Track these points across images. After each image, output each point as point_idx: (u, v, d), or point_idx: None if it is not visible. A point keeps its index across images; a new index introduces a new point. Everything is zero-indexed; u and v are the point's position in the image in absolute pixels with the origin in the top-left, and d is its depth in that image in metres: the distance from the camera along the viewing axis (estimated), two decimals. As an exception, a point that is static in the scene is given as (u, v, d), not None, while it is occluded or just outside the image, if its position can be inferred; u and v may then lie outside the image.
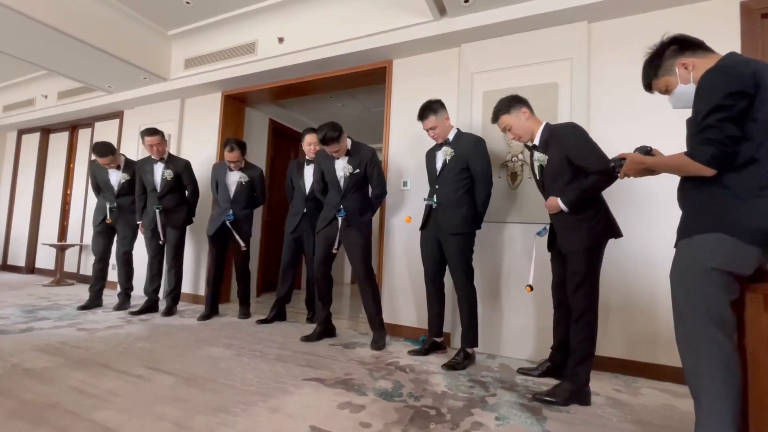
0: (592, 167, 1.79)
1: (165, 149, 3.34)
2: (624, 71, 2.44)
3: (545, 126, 1.97)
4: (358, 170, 2.59)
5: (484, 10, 2.62)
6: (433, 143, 2.53)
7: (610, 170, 1.78)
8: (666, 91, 1.29)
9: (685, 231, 1.21)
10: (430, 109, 2.34)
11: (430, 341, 2.51)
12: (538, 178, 2.06)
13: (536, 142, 1.98)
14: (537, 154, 1.98)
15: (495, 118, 2.04)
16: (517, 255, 2.62)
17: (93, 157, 3.40)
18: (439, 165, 2.41)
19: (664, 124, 2.31)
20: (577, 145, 1.83)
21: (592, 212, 1.86)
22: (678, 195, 1.28)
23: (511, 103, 1.99)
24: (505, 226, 2.68)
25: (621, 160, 1.36)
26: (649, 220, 2.33)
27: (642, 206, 2.35)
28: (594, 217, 1.86)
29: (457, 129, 2.45)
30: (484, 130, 2.75)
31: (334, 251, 2.60)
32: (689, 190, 1.21)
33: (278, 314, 3.26)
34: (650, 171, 1.30)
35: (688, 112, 1.21)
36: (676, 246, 1.24)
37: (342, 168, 2.60)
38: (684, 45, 1.24)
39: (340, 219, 2.59)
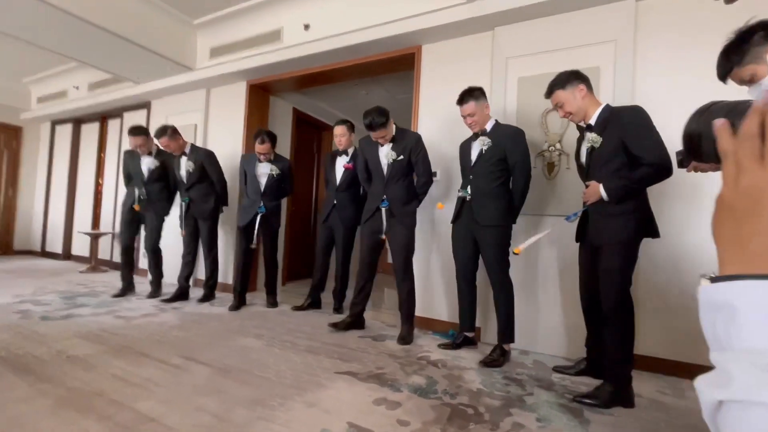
0: (649, 158, 1.67)
1: (179, 144, 3.30)
2: (673, 54, 2.27)
3: (605, 107, 1.84)
4: (402, 157, 2.51)
5: (520, -9, 2.48)
6: (468, 134, 2.44)
7: (667, 165, 1.68)
8: (750, 81, 1.17)
9: None
10: (471, 94, 2.25)
11: (462, 336, 2.47)
12: (583, 160, 1.95)
13: (591, 122, 1.85)
14: (590, 135, 1.85)
15: (549, 93, 1.92)
16: (554, 248, 2.53)
17: (127, 147, 3.44)
18: (474, 155, 2.32)
19: (718, 110, 2.14)
20: (639, 131, 1.71)
21: (633, 205, 1.76)
22: None
23: (568, 78, 1.86)
24: (542, 219, 2.58)
25: None
26: (691, 214, 2.19)
27: (685, 200, 2.21)
28: (634, 211, 1.76)
29: (496, 120, 2.35)
30: (519, 118, 2.64)
31: (381, 238, 2.55)
32: None
33: (313, 302, 3.36)
34: None
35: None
36: None
37: (386, 155, 2.54)
38: None
39: (383, 209, 2.54)
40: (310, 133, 5.14)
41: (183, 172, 3.35)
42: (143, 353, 2.09)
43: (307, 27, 3.29)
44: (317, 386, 1.78)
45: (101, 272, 4.85)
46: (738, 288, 0.28)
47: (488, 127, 2.30)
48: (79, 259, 5.72)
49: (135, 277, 3.68)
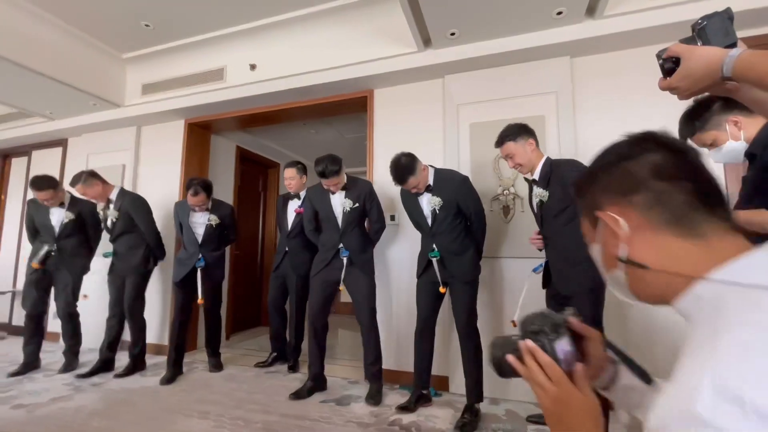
0: None
1: (98, 191, 2.86)
2: (607, 105, 2.49)
3: (546, 160, 1.93)
4: (357, 204, 2.43)
5: (468, 43, 2.59)
6: None
7: None
8: (711, 145, 1.26)
9: None
10: (407, 171, 2.12)
11: (418, 393, 2.31)
12: (536, 212, 2.01)
13: (536, 176, 1.93)
14: (537, 189, 1.93)
15: (500, 143, 1.96)
16: (513, 291, 2.54)
17: (31, 195, 2.90)
18: (427, 212, 2.25)
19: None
20: None
21: None
22: None
23: (519, 131, 1.93)
24: (499, 261, 2.60)
25: None
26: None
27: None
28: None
29: (433, 168, 2.29)
30: (472, 163, 2.70)
31: (339, 288, 2.43)
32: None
33: (279, 356, 3.13)
34: None
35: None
36: None
37: (341, 203, 2.44)
38: (732, 102, 1.23)
39: (344, 259, 2.40)
40: (255, 172, 4.88)
41: (108, 222, 2.92)
42: (52, 460, 1.67)
43: (253, 67, 3.14)
44: (281, 481, 1.53)
45: (-5, 340, 4.02)
46: None
47: (430, 180, 2.24)
48: (-35, 324, 4.71)
49: (43, 343, 3.06)
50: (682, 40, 0.71)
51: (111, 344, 2.97)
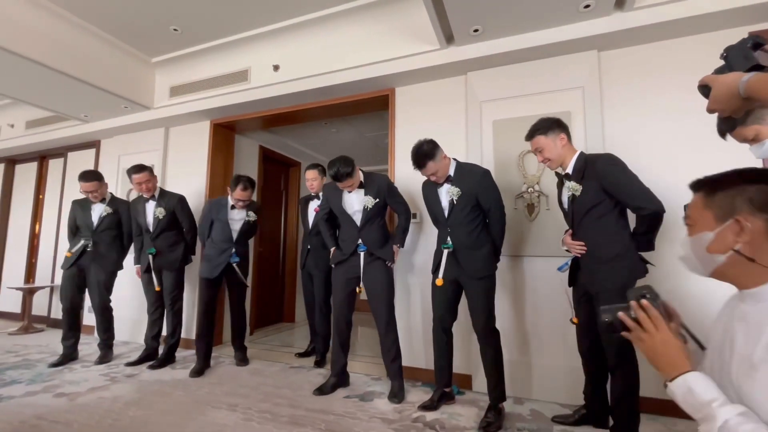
0: (650, 206, 1.72)
1: (155, 185, 3.09)
2: (636, 99, 2.42)
3: (579, 155, 1.89)
4: (378, 200, 2.44)
5: (492, 39, 2.56)
6: None
7: (662, 207, 1.73)
8: (753, 140, 1.22)
9: None
10: (427, 156, 2.12)
11: (440, 391, 2.30)
12: (566, 207, 1.97)
13: (569, 170, 1.90)
14: (569, 183, 1.89)
15: (530, 136, 1.94)
16: (536, 291, 2.51)
17: (69, 195, 3.09)
18: (444, 203, 2.23)
19: (682, 153, 2.28)
20: (624, 182, 1.76)
21: (621, 250, 1.78)
22: None
23: (551, 125, 1.90)
24: (523, 260, 2.57)
25: None
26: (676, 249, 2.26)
27: (668, 233, 2.28)
28: (626, 254, 1.78)
29: (456, 161, 2.28)
30: (496, 161, 2.67)
31: (358, 290, 2.43)
32: None
33: (317, 350, 3.20)
34: None
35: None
36: None
37: (360, 201, 2.45)
38: None
39: (362, 254, 2.42)
40: (278, 171, 4.97)
41: (150, 219, 3.05)
42: (93, 446, 1.76)
43: (276, 68, 3.20)
44: (309, 473, 1.56)
45: (36, 332, 4.24)
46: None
47: (451, 171, 2.23)
48: (8, 316, 4.99)
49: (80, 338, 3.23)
50: (715, 69, 0.82)
51: (155, 336, 3.17)
